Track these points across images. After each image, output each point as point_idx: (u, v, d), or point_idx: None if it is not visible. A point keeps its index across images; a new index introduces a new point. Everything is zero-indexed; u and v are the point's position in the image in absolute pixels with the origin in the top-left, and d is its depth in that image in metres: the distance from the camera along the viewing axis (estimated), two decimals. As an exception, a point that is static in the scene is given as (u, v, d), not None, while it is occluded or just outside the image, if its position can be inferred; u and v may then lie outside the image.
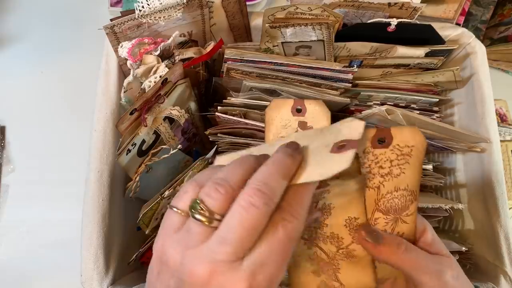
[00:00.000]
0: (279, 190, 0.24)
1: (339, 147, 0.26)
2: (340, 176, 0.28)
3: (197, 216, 0.23)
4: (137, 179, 0.43)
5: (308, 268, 0.31)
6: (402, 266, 0.28)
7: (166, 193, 0.41)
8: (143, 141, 0.43)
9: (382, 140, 0.29)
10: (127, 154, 0.42)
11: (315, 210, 0.30)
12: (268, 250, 0.22)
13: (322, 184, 0.28)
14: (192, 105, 0.48)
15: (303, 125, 0.40)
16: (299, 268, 0.31)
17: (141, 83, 0.44)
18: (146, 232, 0.44)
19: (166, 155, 0.43)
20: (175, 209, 0.25)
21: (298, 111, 0.40)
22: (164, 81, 0.42)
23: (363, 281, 0.30)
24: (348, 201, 0.29)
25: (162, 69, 0.43)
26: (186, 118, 0.47)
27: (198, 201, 0.23)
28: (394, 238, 0.29)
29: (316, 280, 0.31)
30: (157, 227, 0.45)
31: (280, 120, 0.40)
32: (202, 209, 0.23)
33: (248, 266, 0.22)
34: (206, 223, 0.23)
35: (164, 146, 0.43)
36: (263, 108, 0.44)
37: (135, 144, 0.42)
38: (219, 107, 0.44)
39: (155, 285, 0.24)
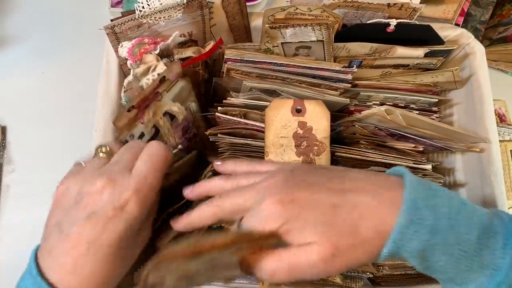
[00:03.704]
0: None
1: None
2: None
3: (100, 154, 0.34)
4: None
5: None
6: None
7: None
8: (142, 134, 0.43)
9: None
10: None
11: None
12: (146, 166, 0.31)
13: None
14: (194, 105, 0.48)
15: (302, 125, 0.40)
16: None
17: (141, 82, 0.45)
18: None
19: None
20: (82, 163, 0.34)
21: (298, 111, 0.40)
22: (162, 79, 0.42)
23: None
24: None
25: (161, 67, 0.44)
26: (185, 116, 0.47)
27: (102, 144, 0.35)
28: None
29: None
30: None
31: (280, 120, 0.40)
32: (104, 150, 0.34)
33: (135, 175, 0.30)
34: (106, 156, 0.34)
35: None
36: (263, 108, 0.44)
37: (133, 135, 0.42)
38: (219, 108, 0.44)
39: (55, 218, 0.30)
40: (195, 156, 0.44)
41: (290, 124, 0.40)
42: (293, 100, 0.41)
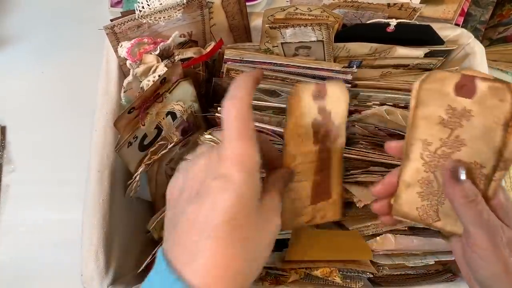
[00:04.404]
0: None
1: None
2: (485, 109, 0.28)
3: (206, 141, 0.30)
4: (137, 178, 0.43)
5: (416, 189, 0.31)
6: (463, 215, 0.29)
7: None
8: (145, 135, 0.43)
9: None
10: (128, 147, 0.42)
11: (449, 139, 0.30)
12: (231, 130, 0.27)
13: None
14: (195, 105, 0.48)
15: (322, 111, 0.35)
16: (408, 186, 0.31)
17: (141, 82, 0.45)
18: (156, 237, 0.44)
19: (164, 151, 0.44)
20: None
21: (318, 95, 0.35)
22: (163, 80, 0.42)
23: (460, 224, 0.30)
24: (483, 143, 0.29)
25: (161, 68, 0.44)
26: (188, 114, 0.47)
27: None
28: (473, 187, 0.29)
29: (418, 203, 0.32)
30: None
31: (301, 108, 0.35)
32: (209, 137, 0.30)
33: (225, 141, 0.27)
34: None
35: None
36: (263, 108, 0.44)
37: (137, 137, 0.42)
38: (219, 108, 0.44)
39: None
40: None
41: (310, 110, 0.35)
42: (314, 84, 0.35)
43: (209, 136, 0.29)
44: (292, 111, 0.34)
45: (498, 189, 0.30)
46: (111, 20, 0.42)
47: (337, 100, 0.35)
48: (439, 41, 0.48)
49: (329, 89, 0.35)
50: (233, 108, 0.26)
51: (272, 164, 0.33)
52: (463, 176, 0.29)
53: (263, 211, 0.27)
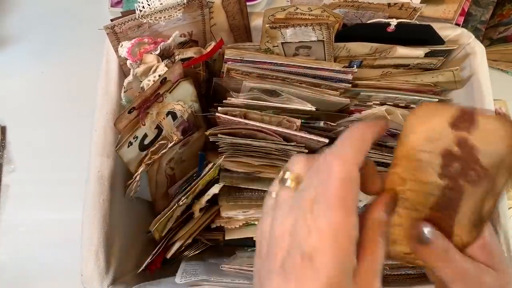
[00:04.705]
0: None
1: None
2: None
3: (286, 183, 0.24)
4: (138, 178, 0.43)
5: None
6: (442, 273, 0.26)
7: (181, 202, 0.42)
8: (145, 135, 0.43)
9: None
10: (128, 147, 0.42)
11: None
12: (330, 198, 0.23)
13: None
14: (195, 105, 0.48)
15: (462, 143, 0.28)
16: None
17: (141, 82, 0.45)
18: (156, 238, 0.44)
19: (164, 150, 0.44)
20: (272, 193, 0.25)
21: (462, 124, 0.28)
22: (163, 80, 0.42)
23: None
24: None
25: (162, 68, 0.44)
26: (188, 114, 0.47)
27: (286, 171, 0.25)
28: (442, 243, 0.26)
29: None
30: (169, 231, 0.46)
31: (426, 131, 0.29)
32: (293, 177, 0.24)
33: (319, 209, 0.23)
34: (293, 185, 0.24)
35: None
36: (263, 108, 0.44)
37: (137, 137, 0.42)
38: (219, 108, 0.44)
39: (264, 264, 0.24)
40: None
41: (442, 138, 0.29)
42: (459, 109, 0.28)
43: (294, 175, 0.25)
44: (411, 131, 0.29)
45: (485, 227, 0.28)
46: (112, 20, 0.42)
47: (491, 135, 0.27)
48: (439, 41, 0.48)
49: (481, 120, 0.27)
50: (338, 169, 0.22)
51: (370, 189, 0.28)
52: (429, 236, 0.26)
53: (359, 283, 0.23)
